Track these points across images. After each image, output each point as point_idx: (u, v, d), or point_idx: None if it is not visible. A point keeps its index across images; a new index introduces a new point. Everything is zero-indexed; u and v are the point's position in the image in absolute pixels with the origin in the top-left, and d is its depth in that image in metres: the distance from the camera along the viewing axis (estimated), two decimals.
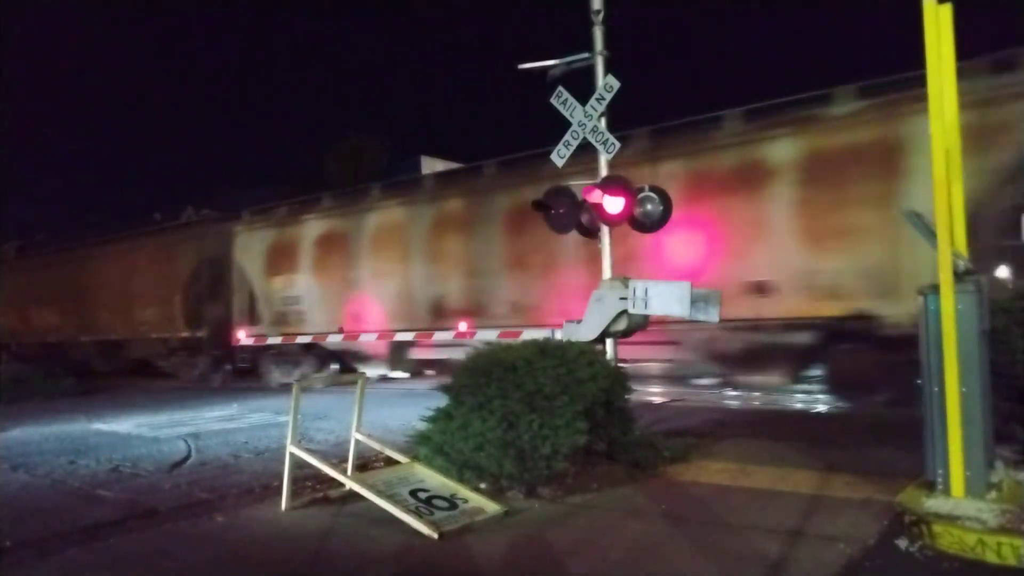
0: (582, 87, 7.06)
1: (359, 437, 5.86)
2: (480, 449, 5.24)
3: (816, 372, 9.96)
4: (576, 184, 7.21)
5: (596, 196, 6.75)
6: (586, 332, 6.79)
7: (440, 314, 13.20)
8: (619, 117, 7.30)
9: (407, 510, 4.64)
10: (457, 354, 11.44)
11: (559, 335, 6.90)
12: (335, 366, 15.16)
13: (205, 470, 6.80)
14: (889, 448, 6.17)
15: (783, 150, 9.85)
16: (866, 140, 9.13)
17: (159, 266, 18.17)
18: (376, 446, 5.88)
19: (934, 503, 4.23)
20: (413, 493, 4.96)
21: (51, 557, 4.40)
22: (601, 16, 7.02)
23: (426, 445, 5.65)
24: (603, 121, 7.00)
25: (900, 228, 7.46)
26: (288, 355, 15.63)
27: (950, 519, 3.99)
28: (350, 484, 5.18)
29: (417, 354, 13.98)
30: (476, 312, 12.67)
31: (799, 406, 10.01)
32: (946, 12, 4.60)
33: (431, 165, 27.88)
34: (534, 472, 5.21)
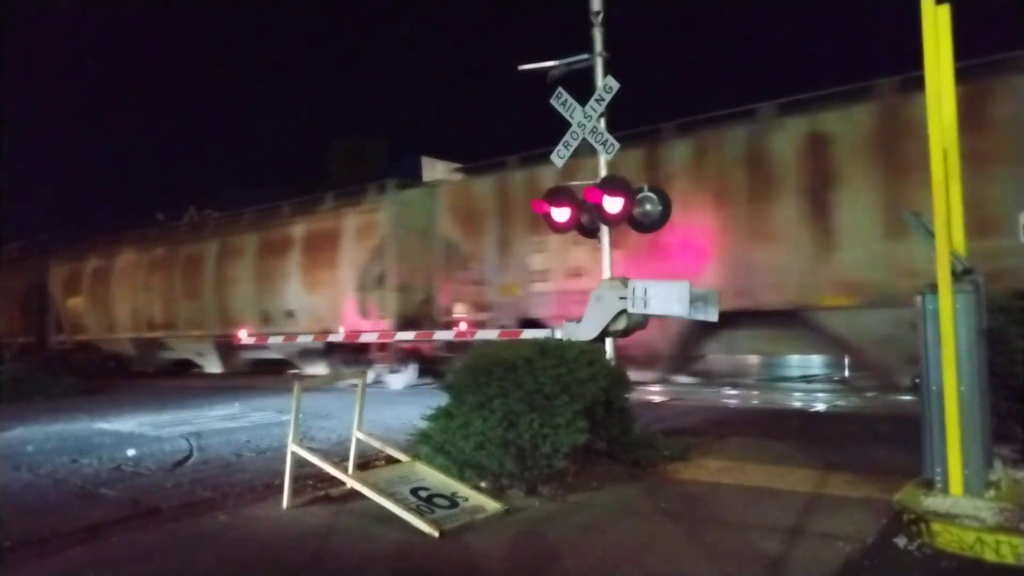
0: (582, 88, 7.09)
1: (360, 436, 5.88)
2: (481, 448, 5.26)
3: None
4: (577, 184, 7.23)
5: (596, 196, 6.78)
6: (585, 332, 6.81)
7: (152, 328, 19.16)
8: (619, 118, 7.34)
9: (408, 508, 4.66)
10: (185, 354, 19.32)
11: (559, 334, 6.93)
12: (112, 363, 21.03)
13: (207, 469, 6.82)
14: (888, 447, 6.19)
15: (299, 230, 16.11)
16: (329, 228, 15.34)
17: (6, 288, 24.03)
18: (377, 445, 5.91)
19: (933, 502, 4.24)
20: (414, 491, 4.98)
21: (53, 556, 4.43)
22: (601, 17, 7.04)
23: (427, 444, 5.67)
24: (602, 122, 7.02)
25: (342, 282, 14.88)
26: (88, 353, 21.22)
27: (948, 517, 4.00)
28: (351, 483, 5.20)
29: (171, 354, 19.71)
30: (168, 325, 18.63)
31: (798, 405, 10.03)
32: (944, 12, 4.62)
33: (431, 165, 27.80)
34: (534, 471, 5.23)
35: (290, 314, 15.64)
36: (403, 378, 13.82)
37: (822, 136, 9.69)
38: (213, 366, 18.34)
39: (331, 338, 14.37)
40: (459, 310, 13.37)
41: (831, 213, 9.58)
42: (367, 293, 14.30)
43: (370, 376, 12.90)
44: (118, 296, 20.08)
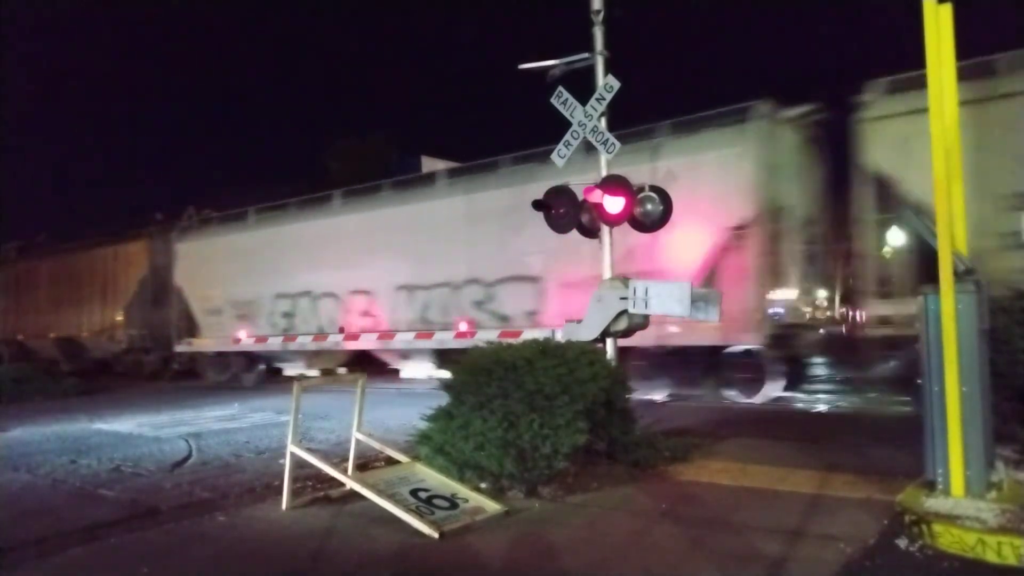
0: (582, 87, 7.07)
1: (360, 437, 5.86)
2: (481, 449, 5.24)
3: None
4: (577, 184, 7.22)
5: (596, 196, 6.77)
6: (586, 332, 6.79)
7: None
8: (619, 117, 7.32)
9: (407, 509, 4.65)
10: None
11: (559, 335, 6.91)
12: None
13: (206, 469, 6.81)
14: (889, 448, 6.17)
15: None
16: None
17: None
18: (377, 446, 5.89)
19: (934, 503, 4.23)
20: (413, 492, 4.97)
21: (53, 556, 4.41)
22: (601, 16, 7.03)
23: (427, 444, 5.65)
24: (603, 121, 7.01)
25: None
26: None
27: (950, 519, 3.99)
28: (351, 483, 5.18)
29: None
30: None
31: (799, 406, 10.02)
32: (946, 12, 4.61)
33: (432, 165, 27.86)
34: (534, 472, 5.21)
35: None
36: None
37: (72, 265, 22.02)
38: None
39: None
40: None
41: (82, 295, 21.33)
42: None
43: None
44: None
